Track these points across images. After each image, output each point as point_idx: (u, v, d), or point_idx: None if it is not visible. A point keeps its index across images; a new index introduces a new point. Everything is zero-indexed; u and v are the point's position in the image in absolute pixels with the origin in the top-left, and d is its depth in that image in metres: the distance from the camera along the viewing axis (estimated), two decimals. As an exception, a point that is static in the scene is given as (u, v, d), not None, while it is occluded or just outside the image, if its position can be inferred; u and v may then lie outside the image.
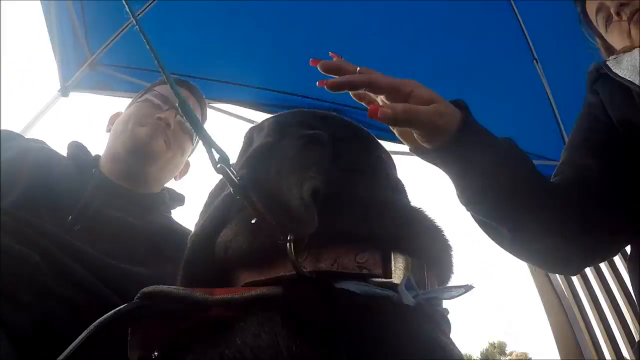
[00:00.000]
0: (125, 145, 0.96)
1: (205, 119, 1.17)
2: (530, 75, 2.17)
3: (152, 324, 0.45)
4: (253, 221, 0.49)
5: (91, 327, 0.42)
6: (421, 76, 2.02)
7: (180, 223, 1.03)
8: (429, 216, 0.56)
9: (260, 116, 2.22)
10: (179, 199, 1.07)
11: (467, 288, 0.49)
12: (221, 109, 2.21)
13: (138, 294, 0.45)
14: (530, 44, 2.12)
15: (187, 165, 1.13)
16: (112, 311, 0.44)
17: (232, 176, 0.48)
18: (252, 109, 2.23)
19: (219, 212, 0.58)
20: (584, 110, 0.85)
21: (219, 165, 0.48)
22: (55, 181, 0.85)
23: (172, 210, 1.07)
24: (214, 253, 0.54)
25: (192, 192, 1.11)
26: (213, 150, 0.48)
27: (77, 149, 0.97)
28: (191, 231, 0.98)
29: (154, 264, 0.85)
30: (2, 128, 0.95)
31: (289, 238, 0.45)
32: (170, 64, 2.00)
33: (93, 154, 1.00)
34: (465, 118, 0.58)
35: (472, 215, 0.70)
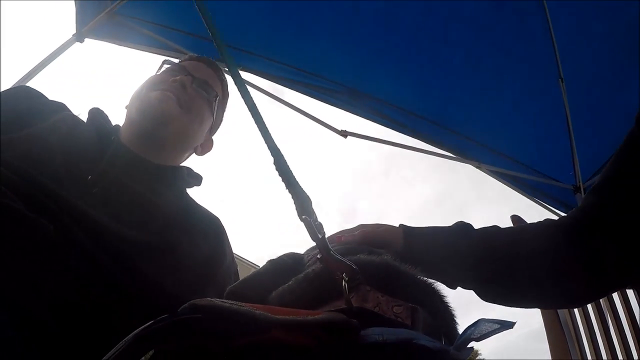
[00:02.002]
0: (138, 110, 0.93)
1: (228, 95, 1.12)
2: (553, 94, 2.13)
3: (196, 339, 0.41)
4: (319, 256, 0.59)
5: (128, 338, 0.38)
6: (448, 72, 1.99)
7: (196, 200, 1.01)
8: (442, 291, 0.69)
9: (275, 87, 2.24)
10: (196, 178, 1.04)
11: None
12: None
13: (186, 306, 0.41)
14: (559, 62, 2.07)
15: (211, 141, 1.10)
16: (151, 322, 0.39)
17: (313, 225, 0.56)
18: (272, 80, 2.25)
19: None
20: (624, 143, 0.79)
21: (304, 217, 0.56)
22: (76, 142, 0.83)
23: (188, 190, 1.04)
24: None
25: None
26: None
27: (97, 115, 0.95)
28: (207, 209, 0.99)
29: (167, 236, 0.83)
30: (24, 84, 0.94)
31: (344, 276, 0.55)
32: (198, 26, 2.00)
33: (113, 123, 0.98)
34: (403, 225, 0.84)
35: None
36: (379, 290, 0.58)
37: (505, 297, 0.79)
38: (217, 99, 1.03)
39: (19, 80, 1.63)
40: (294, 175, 0.57)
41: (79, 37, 1.85)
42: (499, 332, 0.52)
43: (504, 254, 0.77)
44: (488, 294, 0.79)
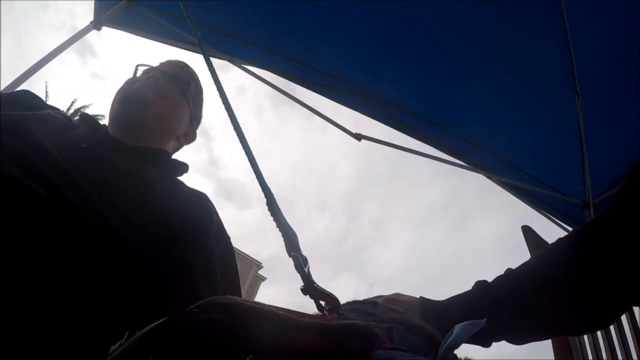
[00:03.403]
0: (119, 101, 1.04)
1: (201, 90, 1.22)
2: (568, 108, 2.11)
3: (209, 340, 0.39)
4: (302, 287, 0.61)
5: (138, 336, 0.37)
6: (464, 81, 1.97)
7: (185, 183, 1.04)
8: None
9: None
10: (183, 165, 1.10)
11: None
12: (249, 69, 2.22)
13: (204, 303, 0.40)
14: (576, 77, 2.05)
15: (193, 133, 1.19)
16: (163, 320, 0.38)
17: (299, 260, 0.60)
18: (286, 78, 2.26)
19: None
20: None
21: (292, 254, 0.61)
22: (70, 127, 0.93)
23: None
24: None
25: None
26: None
27: (88, 116, 1.05)
28: (194, 188, 1.02)
29: (154, 204, 0.86)
30: (23, 89, 1.04)
31: (324, 305, 0.59)
32: (217, 19, 2.00)
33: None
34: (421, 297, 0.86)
35: None
36: (357, 315, 0.62)
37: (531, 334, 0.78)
38: (190, 87, 1.14)
39: (35, 64, 1.65)
40: (283, 215, 0.65)
41: (96, 24, 1.86)
42: (473, 332, 0.52)
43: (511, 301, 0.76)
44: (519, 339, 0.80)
